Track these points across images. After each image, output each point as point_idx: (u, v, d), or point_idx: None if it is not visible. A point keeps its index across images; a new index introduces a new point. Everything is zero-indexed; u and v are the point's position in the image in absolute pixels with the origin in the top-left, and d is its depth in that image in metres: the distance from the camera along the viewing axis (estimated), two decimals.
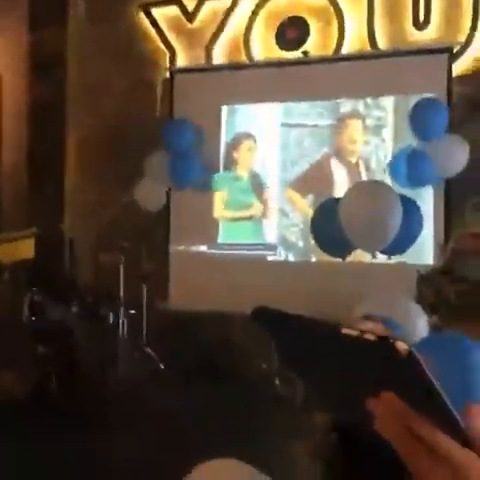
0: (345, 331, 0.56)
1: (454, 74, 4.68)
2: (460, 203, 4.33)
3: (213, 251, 5.35)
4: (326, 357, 0.60)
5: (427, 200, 4.49)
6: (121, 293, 5.12)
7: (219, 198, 5.34)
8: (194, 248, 5.42)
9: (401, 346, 0.53)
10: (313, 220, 3.90)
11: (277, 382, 4.63)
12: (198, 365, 4.95)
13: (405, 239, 3.69)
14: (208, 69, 5.43)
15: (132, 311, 5.19)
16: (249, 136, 5.31)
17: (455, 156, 3.97)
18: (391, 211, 3.51)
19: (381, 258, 4.23)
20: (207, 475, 1.36)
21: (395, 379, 0.56)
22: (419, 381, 0.55)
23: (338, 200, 3.84)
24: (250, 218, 5.27)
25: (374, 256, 4.08)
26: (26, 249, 5.09)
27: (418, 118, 4.10)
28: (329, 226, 3.66)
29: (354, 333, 0.56)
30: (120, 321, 5.15)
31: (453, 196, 4.55)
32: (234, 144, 5.34)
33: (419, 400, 0.56)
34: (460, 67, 4.74)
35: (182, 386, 4.72)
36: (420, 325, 2.52)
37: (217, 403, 4.36)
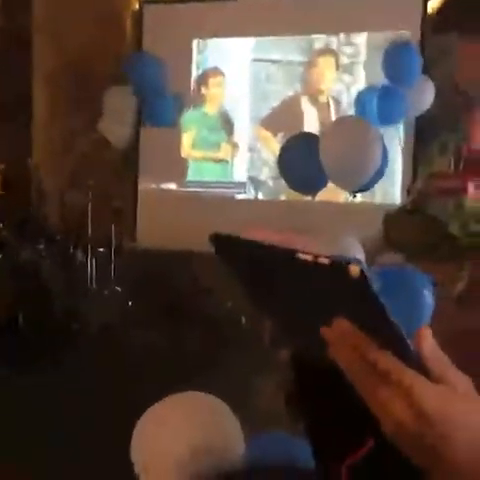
0: (300, 255, 0.55)
1: (429, 12, 4.60)
2: (427, 143, 4.31)
3: (182, 189, 5.31)
4: (282, 284, 0.60)
5: (396, 139, 4.46)
6: (89, 231, 5.08)
7: (188, 136, 5.26)
8: (163, 186, 5.37)
9: (354, 268, 0.53)
10: (281, 155, 3.84)
11: (244, 321, 4.68)
12: (166, 303, 4.97)
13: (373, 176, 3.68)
14: (178, 0, 5.27)
15: (101, 249, 5.17)
16: (218, 71, 5.20)
17: (424, 95, 3.92)
18: (373, 148, 3.47)
19: (348, 197, 4.22)
20: (170, 406, 1.37)
21: (348, 304, 0.56)
22: (371, 305, 0.55)
23: (308, 135, 3.80)
24: (219, 160, 5.22)
25: (354, 195, 4.06)
26: None
27: (390, 64, 4.02)
28: (300, 161, 3.61)
29: (308, 257, 0.55)
30: (88, 259, 5.14)
31: (420, 136, 4.52)
32: (203, 79, 5.24)
33: (371, 324, 0.56)
34: (434, 5, 4.64)
35: (149, 324, 4.75)
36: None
37: (184, 341, 4.41)
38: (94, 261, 5.16)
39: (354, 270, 0.53)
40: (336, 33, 4.88)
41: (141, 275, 5.15)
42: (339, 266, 0.53)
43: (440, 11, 4.57)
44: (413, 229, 3.42)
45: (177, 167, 5.29)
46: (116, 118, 4.78)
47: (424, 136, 4.43)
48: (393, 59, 4.00)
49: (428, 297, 2.22)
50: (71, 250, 5.18)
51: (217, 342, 4.39)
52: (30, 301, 4.72)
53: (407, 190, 4.09)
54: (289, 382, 0.78)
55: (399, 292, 2.08)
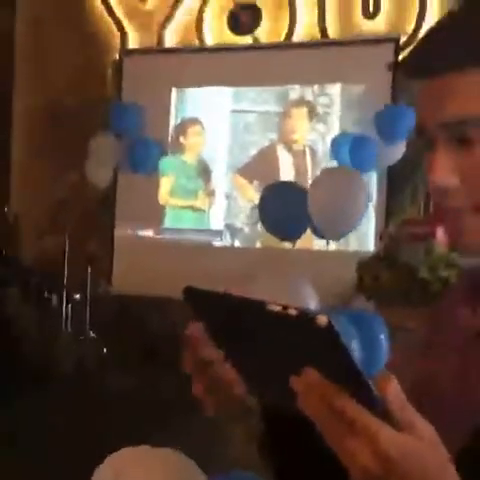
0: (270, 307, 0.57)
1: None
2: (399, 189, 4.40)
3: (158, 236, 5.33)
4: (252, 335, 0.62)
5: (369, 186, 4.55)
6: (65, 275, 5.06)
7: (165, 183, 5.31)
8: (139, 232, 5.38)
9: (321, 319, 0.55)
10: (263, 201, 3.87)
11: None
12: (141, 350, 4.93)
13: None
14: (158, 51, 5.39)
15: (76, 295, 5.15)
16: (196, 121, 5.29)
17: (397, 145, 4.02)
18: (360, 197, 3.53)
19: (322, 245, 4.27)
20: (119, 463, 1.36)
21: (317, 353, 0.58)
22: (338, 354, 0.57)
23: (289, 183, 3.86)
24: (196, 208, 5.28)
25: (327, 242, 4.12)
26: None
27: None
28: (282, 209, 3.66)
29: (277, 308, 0.57)
30: (64, 304, 5.10)
31: (392, 183, 4.60)
32: (181, 129, 5.32)
33: (338, 373, 0.58)
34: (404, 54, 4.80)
35: (125, 370, 4.70)
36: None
37: (159, 387, 4.36)
38: (69, 306, 5.13)
39: (321, 320, 0.55)
40: (311, 84, 5.01)
41: (117, 321, 5.12)
42: (307, 317, 0.56)
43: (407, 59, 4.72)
44: (385, 275, 3.46)
45: (154, 213, 5.32)
46: (101, 161, 4.83)
47: (395, 183, 4.53)
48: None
49: (384, 341, 2.24)
50: (46, 294, 5.15)
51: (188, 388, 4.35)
52: (1, 346, 4.66)
53: (379, 236, 4.16)
54: (261, 430, 0.79)
55: (355, 335, 2.11)
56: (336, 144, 4.28)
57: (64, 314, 5.10)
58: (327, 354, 0.57)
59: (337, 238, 3.88)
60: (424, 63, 0.78)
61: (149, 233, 5.35)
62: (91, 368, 4.85)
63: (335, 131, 4.87)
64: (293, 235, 3.90)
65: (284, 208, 3.60)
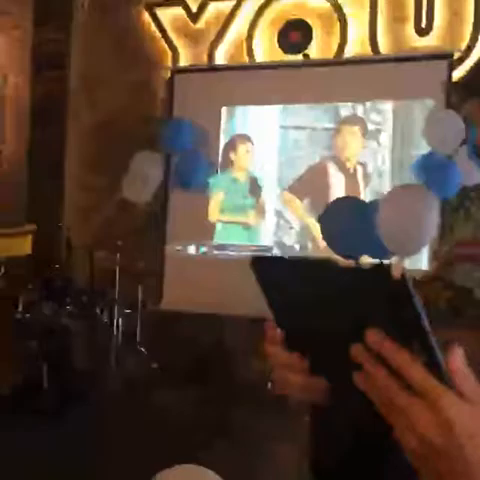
0: (343, 265, 0.58)
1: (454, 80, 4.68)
2: (452, 210, 4.32)
3: (209, 252, 5.34)
4: (318, 298, 0.61)
5: None
6: (116, 292, 5.11)
7: (216, 200, 5.33)
8: (190, 249, 5.41)
9: (397, 269, 0.55)
10: (325, 216, 3.78)
11: (269, 386, 4.62)
12: (191, 366, 4.94)
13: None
14: (209, 69, 5.44)
15: (127, 310, 5.19)
16: (246, 138, 5.31)
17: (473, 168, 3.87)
18: (432, 216, 3.46)
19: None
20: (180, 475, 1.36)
21: (384, 310, 0.57)
22: (408, 309, 0.56)
23: (356, 199, 3.80)
24: (246, 224, 5.28)
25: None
26: (24, 245, 5.11)
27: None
28: (345, 224, 3.59)
29: (352, 265, 0.57)
30: (115, 320, 5.15)
31: (444, 202, 4.52)
32: (231, 146, 5.34)
33: (405, 332, 0.57)
34: (460, 74, 4.73)
35: (174, 386, 4.72)
36: None
37: (208, 404, 4.36)
38: (120, 322, 5.18)
39: (397, 271, 0.55)
40: (362, 101, 4.97)
41: (166, 337, 5.15)
42: (382, 268, 0.55)
43: (464, 80, 4.65)
44: (439, 296, 3.39)
45: (204, 230, 5.34)
46: (142, 181, 4.88)
47: (449, 203, 4.44)
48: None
49: None
50: (98, 310, 5.21)
51: (242, 406, 4.34)
52: (55, 361, 4.74)
53: (433, 256, 4.08)
54: (313, 448, 0.78)
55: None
56: (418, 165, 4.17)
57: (115, 330, 5.15)
58: (396, 309, 0.56)
59: (407, 256, 3.79)
60: None
61: (199, 250, 5.37)
62: (141, 383, 4.88)
63: (387, 148, 4.82)
64: (357, 252, 3.82)
65: (349, 223, 3.53)
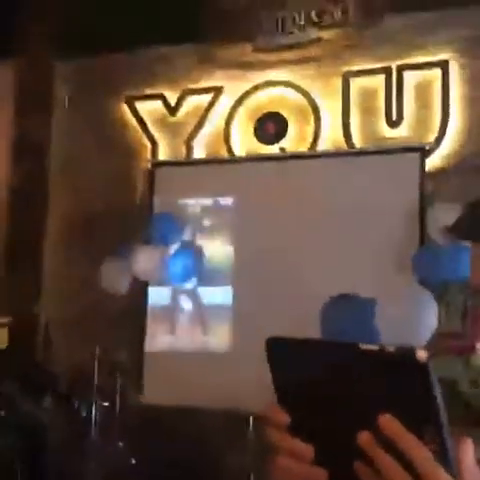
0: (364, 346, 0.57)
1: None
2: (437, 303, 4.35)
3: (189, 348, 5.28)
4: (333, 381, 0.60)
5: None
6: (94, 385, 5.02)
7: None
8: (169, 342, 5.36)
9: (421, 353, 0.55)
10: (324, 313, 3.80)
11: (252, 478, 4.51)
12: (171, 460, 4.83)
13: None
14: (188, 163, 5.54)
15: (105, 403, 5.09)
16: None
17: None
18: (428, 312, 3.48)
19: None
20: None
21: (401, 395, 0.57)
22: (426, 397, 0.56)
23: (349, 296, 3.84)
24: None
25: None
26: None
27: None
28: (344, 321, 3.59)
29: (374, 347, 0.57)
30: (93, 414, 5.04)
31: None
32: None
33: (419, 419, 0.57)
34: (431, 164, 4.87)
35: None
36: None
37: None
38: (98, 415, 5.07)
39: (421, 355, 0.55)
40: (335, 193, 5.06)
41: (145, 430, 5.04)
42: (406, 352, 0.55)
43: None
44: None
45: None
46: (120, 271, 4.89)
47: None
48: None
49: None
50: (76, 404, 5.10)
51: None
52: (31, 457, 4.60)
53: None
54: None
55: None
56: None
57: (93, 423, 5.04)
58: (414, 394, 0.56)
59: None
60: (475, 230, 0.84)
61: (180, 344, 5.32)
62: (118, 478, 4.74)
63: None
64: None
65: (347, 320, 3.53)
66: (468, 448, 0.58)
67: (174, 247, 4.91)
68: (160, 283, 5.03)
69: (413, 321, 3.44)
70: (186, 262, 4.89)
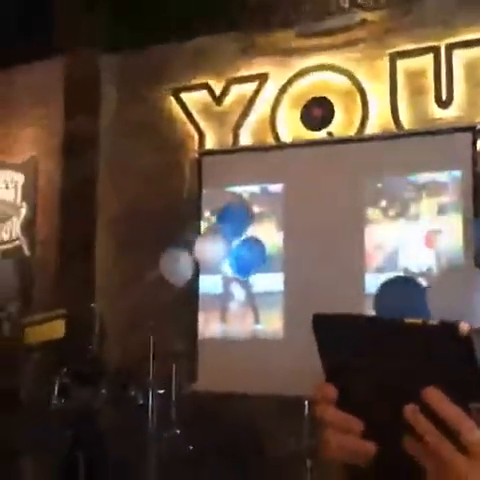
0: (409, 321, 0.59)
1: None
2: None
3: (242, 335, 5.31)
4: (379, 357, 0.61)
5: None
6: (150, 374, 5.09)
7: None
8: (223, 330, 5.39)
9: (463, 326, 0.56)
10: (379, 296, 3.78)
11: (308, 465, 4.50)
12: (226, 447, 4.87)
13: None
14: (235, 151, 5.55)
15: (161, 391, 5.16)
16: None
17: None
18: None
19: None
20: None
21: (445, 368, 0.58)
22: (469, 369, 0.57)
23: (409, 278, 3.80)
24: None
25: None
26: (56, 330, 5.14)
27: None
28: (399, 304, 3.58)
29: (418, 321, 0.58)
30: (149, 402, 5.11)
31: None
32: None
33: (463, 391, 0.58)
34: None
35: (210, 468, 4.64)
36: None
37: None
38: (154, 403, 5.14)
39: (463, 328, 0.56)
40: (388, 176, 5.00)
41: (202, 418, 5.09)
42: (449, 325, 0.56)
43: None
44: None
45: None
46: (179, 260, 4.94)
47: None
48: None
49: None
50: (132, 392, 5.18)
51: None
52: (90, 445, 4.70)
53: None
54: None
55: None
56: None
57: (150, 412, 5.11)
58: (458, 368, 0.56)
59: None
60: None
61: (233, 331, 5.35)
62: (177, 465, 4.80)
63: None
64: None
65: (402, 303, 3.52)
66: None
67: (238, 239, 4.92)
68: (213, 272, 5.05)
69: (468, 305, 3.38)
70: (250, 255, 4.90)
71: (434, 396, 0.59)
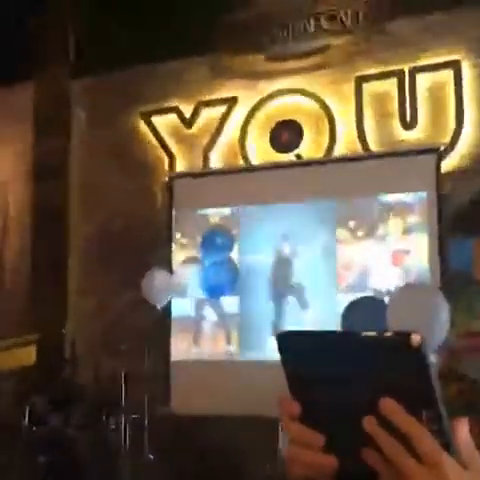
0: (366, 333, 0.62)
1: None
2: (455, 300, 4.36)
3: (214, 356, 5.32)
4: (339, 367, 0.64)
5: None
6: (123, 398, 5.07)
7: None
8: (194, 352, 5.39)
9: (415, 337, 0.59)
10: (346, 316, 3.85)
11: (267, 467, 4.51)
12: (201, 470, 4.85)
13: None
14: (205, 174, 5.59)
15: (134, 416, 5.13)
16: None
17: None
18: (442, 315, 3.49)
19: None
20: None
21: (400, 379, 0.61)
22: (422, 378, 0.60)
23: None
24: None
25: None
26: (27, 356, 5.10)
27: None
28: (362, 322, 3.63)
29: (373, 334, 0.61)
30: (122, 427, 5.08)
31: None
32: None
33: (416, 400, 0.60)
34: (447, 166, 4.88)
35: None
36: None
37: None
38: (127, 428, 5.11)
39: (415, 338, 0.59)
40: (355, 197, 5.09)
41: (175, 442, 5.07)
42: (402, 335, 0.59)
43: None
44: (449, 390, 3.38)
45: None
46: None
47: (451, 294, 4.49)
48: None
49: None
50: (104, 417, 5.14)
51: None
52: (62, 472, 4.65)
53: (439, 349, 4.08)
54: None
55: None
56: None
57: (122, 437, 5.08)
58: (411, 378, 0.59)
59: None
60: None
61: (205, 353, 5.35)
62: None
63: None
64: None
65: (367, 321, 3.57)
66: (464, 426, 0.62)
67: (209, 262, 4.97)
68: (183, 295, 5.07)
69: (426, 323, 3.44)
70: (222, 276, 4.94)
71: (389, 407, 0.61)
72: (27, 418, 4.76)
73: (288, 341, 0.67)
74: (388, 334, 0.61)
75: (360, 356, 0.63)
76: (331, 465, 0.67)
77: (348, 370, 0.64)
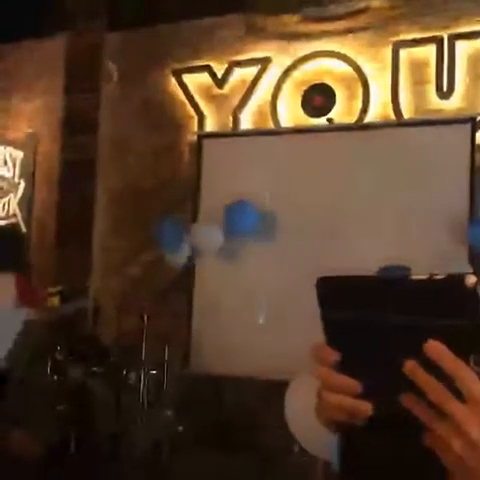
0: (414, 277, 0.60)
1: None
2: None
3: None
4: (384, 313, 0.62)
5: None
6: (143, 353, 5.12)
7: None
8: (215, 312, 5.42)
9: (470, 278, 0.57)
10: None
11: (296, 449, 4.55)
12: (216, 429, 4.91)
13: None
14: (235, 135, 5.53)
15: (153, 371, 5.19)
16: None
17: None
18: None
19: None
20: None
21: (449, 322, 0.58)
22: (472, 322, 0.57)
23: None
24: None
25: None
26: (51, 307, 5.16)
27: None
28: None
29: (424, 276, 0.59)
30: (141, 382, 5.15)
31: None
32: None
33: (466, 345, 0.59)
34: None
35: (198, 450, 4.68)
36: None
37: (233, 469, 4.31)
38: (146, 383, 5.17)
39: (470, 280, 0.56)
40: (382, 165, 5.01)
41: (192, 399, 5.13)
42: (456, 277, 0.57)
43: None
44: None
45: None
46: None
47: None
48: None
49: None
50: (124, 372, 5.21)
51: (268, 470, 4.28)
52: (82, 423, 4.74)
53: None
54: (346, 468, 0.78)
55: None
56: None
57: (141, 392, 5.15)
58: (461, 320, 0.57)
59: None
60: None
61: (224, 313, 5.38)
62: (165, 446, 4.85)
63: None
64: None
65: None
66: None
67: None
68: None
69: None
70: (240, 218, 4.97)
71: (436, 349, 0.59)
72: (49, 368, 4.84)
73: (329, 286, 0.65)
74: (441, 276, 0.58)
75: (407, 300, 0.60)
76: (366, 411, 0.67)
77: (392, 314, 0.62)
